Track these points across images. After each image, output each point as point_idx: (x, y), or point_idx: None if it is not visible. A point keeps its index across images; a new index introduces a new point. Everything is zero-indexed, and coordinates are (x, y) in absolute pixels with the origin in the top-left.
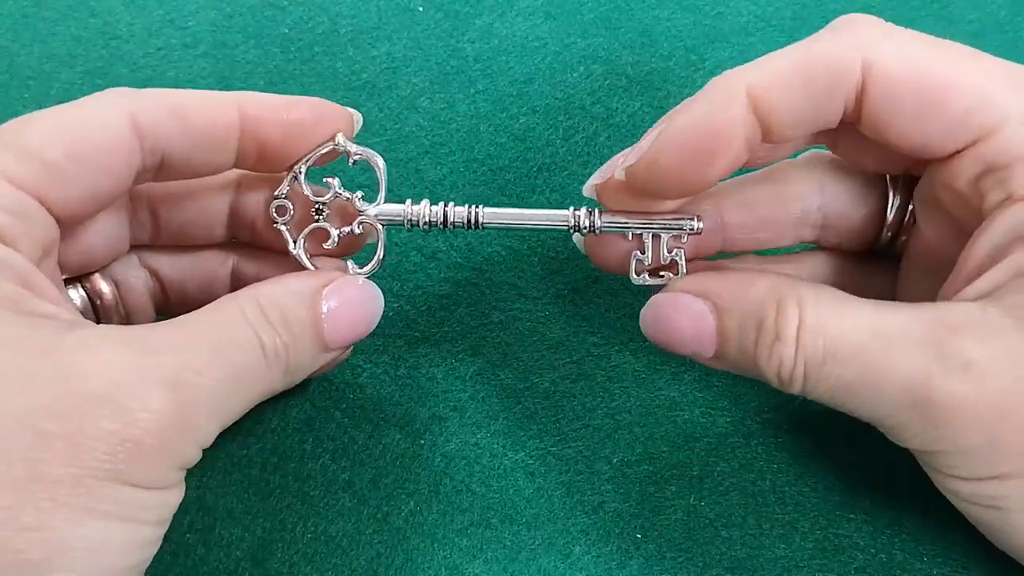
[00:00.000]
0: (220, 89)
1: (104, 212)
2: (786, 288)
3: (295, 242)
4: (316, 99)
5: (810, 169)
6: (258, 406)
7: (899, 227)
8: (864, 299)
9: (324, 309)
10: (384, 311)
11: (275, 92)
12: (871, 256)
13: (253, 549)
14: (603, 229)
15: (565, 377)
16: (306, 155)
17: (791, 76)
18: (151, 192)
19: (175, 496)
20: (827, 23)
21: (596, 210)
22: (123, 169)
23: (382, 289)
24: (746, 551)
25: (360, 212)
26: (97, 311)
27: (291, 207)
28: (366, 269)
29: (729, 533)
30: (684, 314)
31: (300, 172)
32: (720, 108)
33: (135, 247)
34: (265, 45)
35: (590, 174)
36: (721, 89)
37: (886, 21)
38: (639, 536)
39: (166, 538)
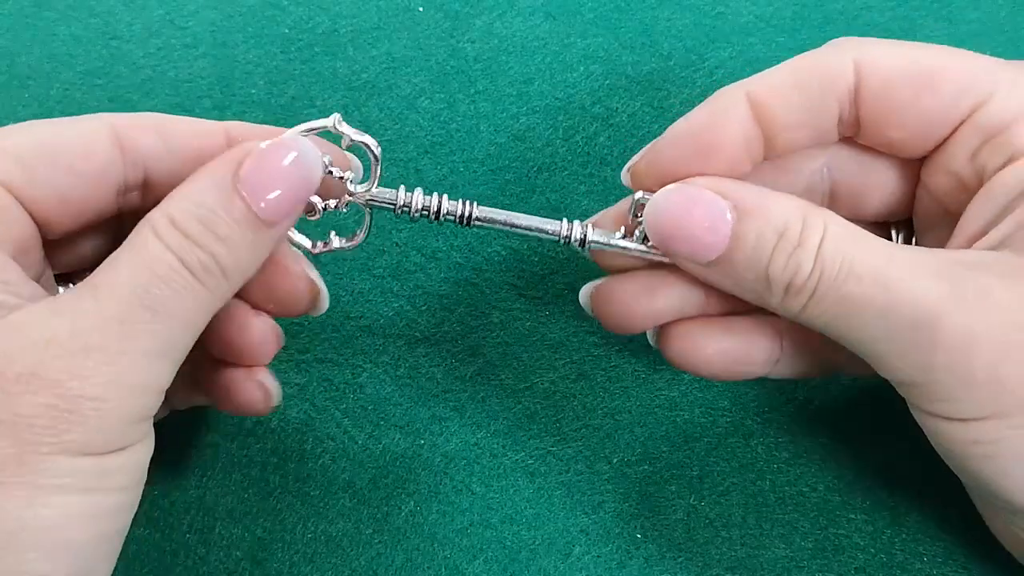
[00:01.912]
0: (220, 90)
1: (107, 224)
2: (811, 206)
3: None
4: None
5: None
6: None
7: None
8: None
9: (245, 186)
10: (384, 311)
11: (275, 92)
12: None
13: (253, 549)
14: (592, 245)
15: (565, 377)
16: (302, 129)
17: (788, 79)
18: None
19: (140, 453)
20: (827, 22)
21: (589, 225)
22: (101, 175)
23: (381, 289)
24: (746, 551)
25: (351, 193)
26: None
27: None
28: (350, 243)
29: (729, 533)
30: (701, 208)
31: None
32: (720, 109)
33: None
34: (265, 45)
35: (590, 174)
36: (722, 95)
37: (868, 38)
38: (639, 536)
39: (166, 538)
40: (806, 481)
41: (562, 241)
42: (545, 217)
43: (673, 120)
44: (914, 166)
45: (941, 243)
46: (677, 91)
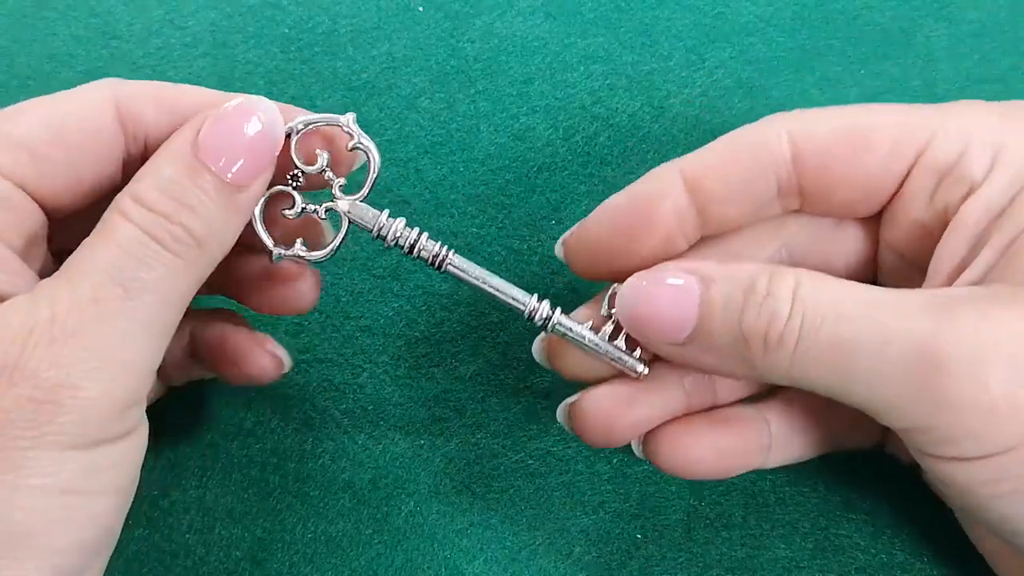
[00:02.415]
0: (220, 90)
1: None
2: (780, 266)
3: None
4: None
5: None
6: (258, 406)
7: None
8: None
9: (206, 153)
10: (384, 311)
11: (275, 92)
12: None
13: (253, 549)
14: (555, 330)
15: None
16: (311, 119)
17: (722, 155)
18: None
19: (131, 448)
20: (827, 22)
21: (559, 309)
22: (107, 155)
23: (381, 289)
24: (746, 551)
25: (335, 199)
26: None
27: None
28: (315, 254)
29: (729, 533)
30: (665, 286)
31: (296, 133)
32: (652, 186)
33: None
34: (265, 45)
35: (590, 174)
36: (656, 173)
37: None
38: (639, 536)
39: (166, 538)
40: (806, 481)
41: (527, 316)
42: (519, 288)
43: (673, 120)
44: (871, 226)
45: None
46: (677, 91)
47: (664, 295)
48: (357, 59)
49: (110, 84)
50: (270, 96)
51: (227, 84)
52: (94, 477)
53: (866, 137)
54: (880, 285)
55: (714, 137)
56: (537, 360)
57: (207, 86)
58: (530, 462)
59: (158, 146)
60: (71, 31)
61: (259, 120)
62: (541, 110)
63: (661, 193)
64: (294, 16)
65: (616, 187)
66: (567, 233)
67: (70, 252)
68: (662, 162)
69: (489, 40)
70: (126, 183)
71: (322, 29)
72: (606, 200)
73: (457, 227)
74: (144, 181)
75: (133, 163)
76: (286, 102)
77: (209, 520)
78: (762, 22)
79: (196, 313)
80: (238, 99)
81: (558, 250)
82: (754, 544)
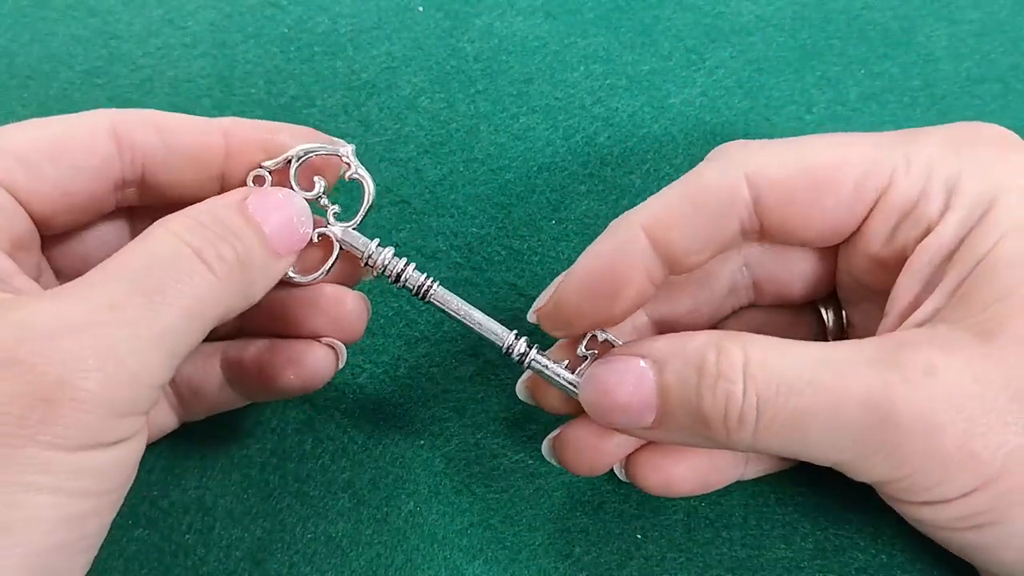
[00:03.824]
0: (220, 89)
1: (105, 221)
2: (725, 335)
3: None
4: (303, 128)
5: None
6: (258, 406)
7: (839, 334)
8: (805, 341)
9: (256, 215)
10: (384, 311)
11: (275, 92)
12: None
13: (253, 550)
14: (531, 367)
15: None
16: (311, 146)
17: (682, 205)
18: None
19: (126, 452)
20: (827, 22)
21: (536, 347)
22: (101, 173)
23: (381, 289)
24: (746, 551)
25: (328, 224)
26: None
27: (269, 178)
28: (306, 278)
29: (729, 533)
30: (622, 376)
31: (296, 160)
32: (618, 247)
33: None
34: (265, 45)
35: (590, 174)
36: (618, 229)
37: (756, 140)
38: (639, 536)
39: (166, 539)
40: (806, 481)
41: (504, 352)
42: (499, 322)
43: (673, 120)
44: (830, 250)
45: (871, 315)
46: (677, 91)
47: (622, 387)
48: (357, 59)
49: (108, 111)
50: (269, 96)
51: (227, 83)
52: (83, 479)
53: (828, 179)
54: (840, 299)
55: (715, 137)
56: (521, 398)
57: (207, 86)
58: (530, 462)
59: (157, 173)
60: (71, 31)
61: (300, 208)
62: (541, 110)
63: (628, 254)
64: (294, 16)
65: (616, 187)
66: (539, 301)
67: (68, 274)
68: (662, 162)
69: (489, 40)
70: (123, 205)
71: (322, 29)
72: (573, 266)
73: (457, 227)
74: (195, 208)
75: (129, 186)
76: (286, 102)
77: (209, 520)
78: (762, 22)
79: (227, 341)
80: (281, 192)
81: (531, 317)
82: (754, 544)
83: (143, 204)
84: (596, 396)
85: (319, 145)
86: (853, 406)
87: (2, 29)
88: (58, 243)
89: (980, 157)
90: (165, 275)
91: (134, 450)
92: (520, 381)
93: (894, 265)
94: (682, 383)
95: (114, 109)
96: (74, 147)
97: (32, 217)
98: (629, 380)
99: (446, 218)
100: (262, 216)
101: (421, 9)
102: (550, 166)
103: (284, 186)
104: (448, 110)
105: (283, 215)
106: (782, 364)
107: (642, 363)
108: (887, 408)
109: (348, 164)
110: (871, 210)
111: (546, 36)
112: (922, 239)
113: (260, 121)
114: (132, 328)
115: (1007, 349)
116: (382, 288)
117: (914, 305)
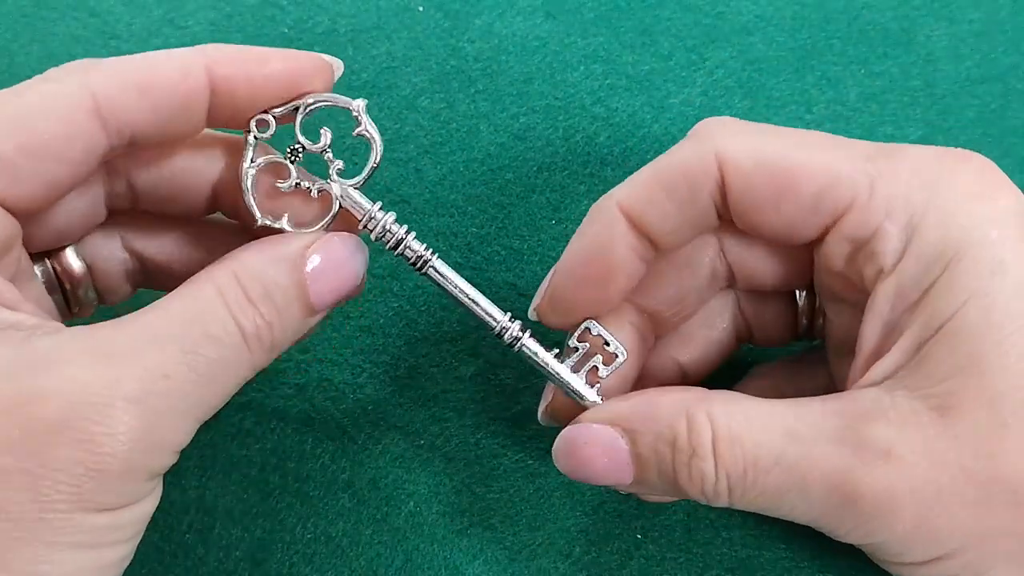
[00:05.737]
0: None
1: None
2: (693, 400)
3: (250, 161)
4: (290, 51)
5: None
6: (258, 406)
7: (811, 315)
8: (772, 400)
9: (308, 269)
10: (384, 311)
11: None
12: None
13: (253, 549)
14: (523, 350)
15: None
16: (319, 98)
17: (654, 186)
18: (127, 164)
19: (150, 504)
20: (827, 22)
21: (528, 331)
22: (82, 156)
23: (381, 289)
24: (746, 551)
25: (329, 180)
26: (64, 289)
27: (273, 124)
28: (301, 232)
29: (729, 533)
30: (595, 445)
31: (304, 108)
32: (600, 231)
33: (118, 228)
34: (265, 45)
35: (590, 174)
36: (598, 214)
37: (740, 120)
38: (639, 536)
39: (166, 538)
40: None
41: (496, 333)
42: (494, 304)
43: (673, 120)
44: (805, 246)
45: (844, 313)
46: (677, 91)
47: (596, 457)
48: (357, 59)
49: (86, 69)
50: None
51: None
52: (116, 533)
53: (788, 183)
54: (816, 291)
55: None
56: (543, 424)
57: None
58: (530, 462)
59: (146, 135)
60: (70, 31)
61: (358, 263)
62: (541, 110)
63: (611, 236)
64: (294, 16)
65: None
66: (537, 298)
67: (47, 248)
68: None
69: (489, 40)
70: (109, 173)
71: (322, 29)
72: (562, 256)
73: (457, 227)
74: (248, 271)
75: (116, 152)
76: None
77: (209, 520)
78: (762, 22)
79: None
80: (348, 241)
81: (532, 314)
82: (754, 544)
83: (126, 155)
84: (572, 465)
85: (330, 96)
86: (819, 487)
87: (2, 29)
88: (35, 221)
89: (952, 197)
90: (214, 352)
91: (157, 497)
92: (541, 409)
93: (857, 285)
94: (657, 457)
95: (90, 67)
96: (53, 138)
97: (15, 214)
98: (602, 452)
99: (446, 218)
100: (317, 275)
101: (421, 9)
102: (550, 166)
103: (292, 137)
104: (448, 110)
105: (341, 277)
106: (749, 441)
107: (613, 431)
108: (849, 490)
109: (358, 119)
110: (830, 227)
111: (546, 36)
112: (877, 276)
113: (247, 49)
114: (180, 401)
115: (960, 427)
116: (382, 288)
117: (877, 353)
